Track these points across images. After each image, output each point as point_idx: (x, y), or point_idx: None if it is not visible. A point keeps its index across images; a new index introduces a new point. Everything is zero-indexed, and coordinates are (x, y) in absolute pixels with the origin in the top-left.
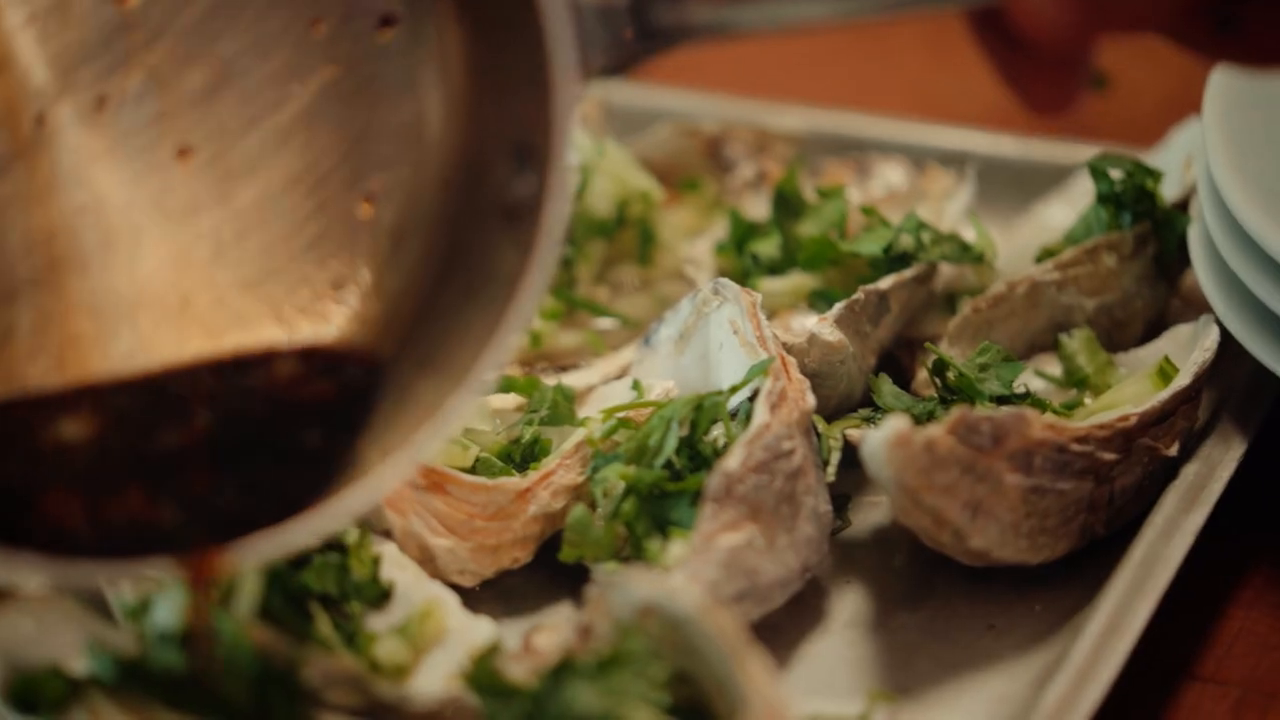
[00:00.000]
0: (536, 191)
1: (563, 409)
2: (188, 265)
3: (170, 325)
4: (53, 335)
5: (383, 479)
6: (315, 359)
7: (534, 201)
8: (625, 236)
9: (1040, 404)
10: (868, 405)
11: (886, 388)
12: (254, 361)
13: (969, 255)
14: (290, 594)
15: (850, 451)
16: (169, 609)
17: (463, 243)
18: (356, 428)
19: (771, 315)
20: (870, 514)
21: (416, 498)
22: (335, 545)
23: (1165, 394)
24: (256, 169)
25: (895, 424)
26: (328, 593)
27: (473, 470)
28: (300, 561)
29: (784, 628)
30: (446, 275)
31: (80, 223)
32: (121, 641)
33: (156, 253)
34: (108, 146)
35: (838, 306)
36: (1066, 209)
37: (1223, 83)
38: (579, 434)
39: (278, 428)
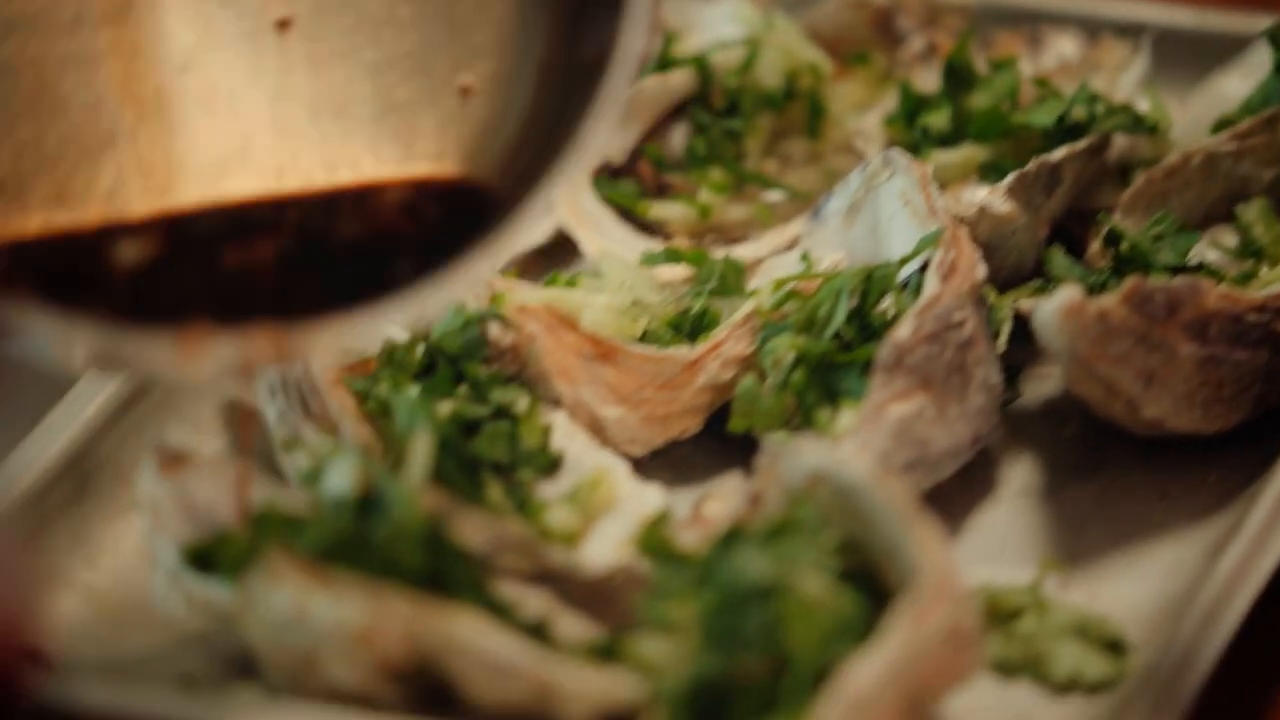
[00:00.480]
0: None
1: (732, 281)
2: (283, 130)
3: (265, 182)
4: (149, 182)
5: (480, 262)
6: (413, 195)
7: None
8: (794, 110)
9: (1215, 274)
10: (1039, 276)
11: (1059, 258)
12: (353, 196)
13: (1143, 126)
14: (461, 461)
15: (1021, 323)
16: (342, 473)
17: (553, 99)
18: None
19: (942, 188)
20: (1041, 385)
21: (586, 368)
22: (505, 413)
23: None
24: (351, 46)
25: (1068, 293)
26: (498, 460)
27: (643, 341)
28: (471, 429)
29: (954, 497)
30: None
31: (180, 82)
32: (296, 504)
33: (252, 115)
34: (211, 10)
35: (1010, 178)
36: (1243, 79)
37: None
38: (748, 305)
39: (375, 253)
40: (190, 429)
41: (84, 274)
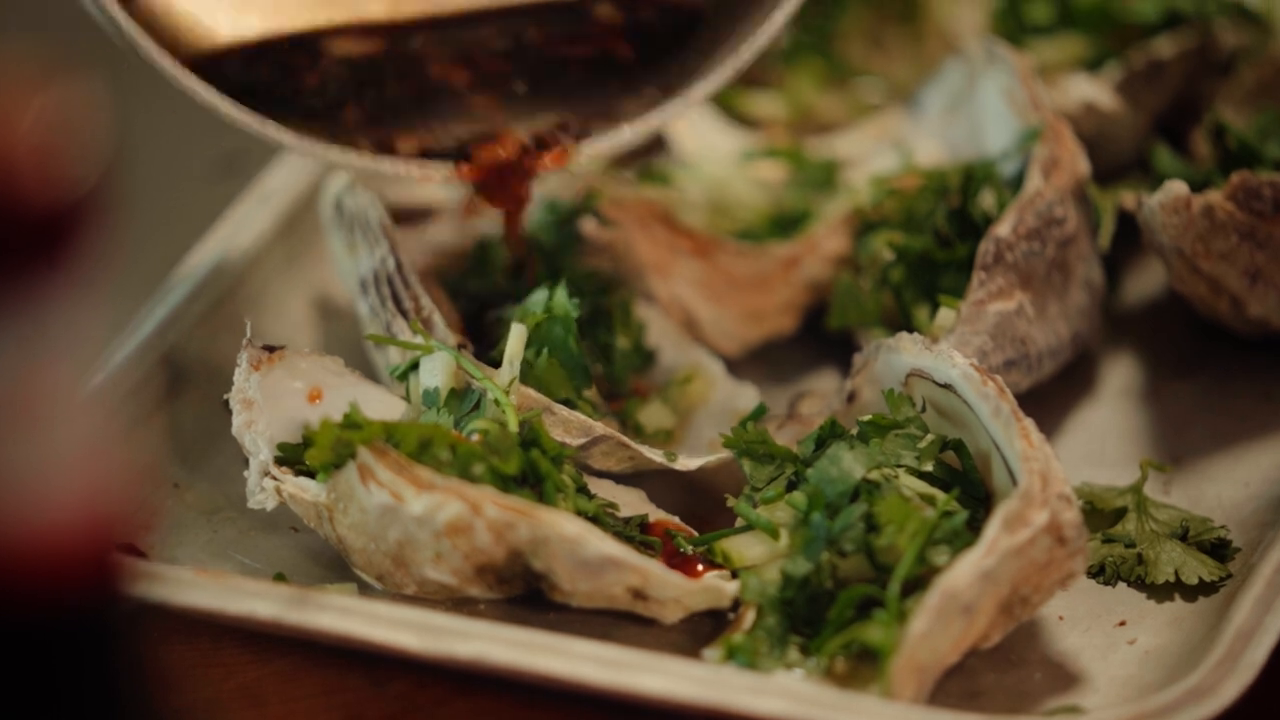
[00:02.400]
0: None
1: (829, 176)
2: None
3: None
4: None
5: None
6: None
7: None
8: None
9: None
10: (1143, 171)
11: (1163, 153)
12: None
13: (1250, 18)
14: (557, 357)
15: (1125, 219)
16: (435, 370)
17: None
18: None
19: (1044, 80)
20: (1144, 283)
21: (681, 263)
22: (600, 309)
23: None
24: None
25: (1173, 188)
26: (593, 357)
27: (739, 237)
28: (566, 325)
29: (1054, 397)
30: None
31: None
32: (390, 402)
33: None
34: None
35: (1115, 73)
36: None
37: None
38: (846, 201)
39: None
40: (283, 324)
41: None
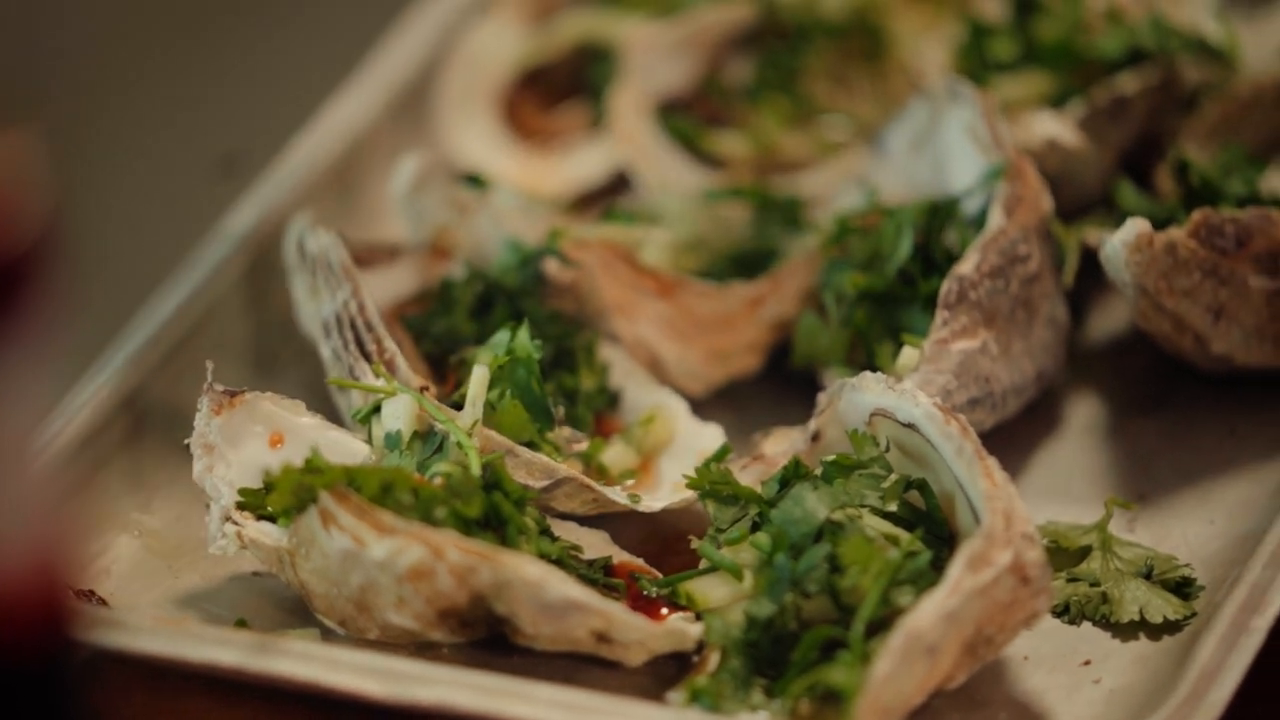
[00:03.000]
0: None
1: (793, 214)
2: None
3: None
4: None
5: None
6: None
7: None
8: (856, 38)
9: None
10: (1107, 208)
11: (1127, 190)
12: None
13: (1212, 54)
14: (519, 400)
15: (1089, 256)
16: (397, 413)
17: None
18: None
19: (1008, 117)
20: (1108, 320)
21: (645, 304)
22: (564, 351)
23: None
24: None
25: (1135, 226)
26: (556, 400)
27: (702, 277)
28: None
29: (1019, 435)
30: None
31: None
32: (352, 446)
33: None
34: None
35: (1079, 109)
36: None
37: None
38: (810, 240)
39: None
40: (246, 368)
41: None
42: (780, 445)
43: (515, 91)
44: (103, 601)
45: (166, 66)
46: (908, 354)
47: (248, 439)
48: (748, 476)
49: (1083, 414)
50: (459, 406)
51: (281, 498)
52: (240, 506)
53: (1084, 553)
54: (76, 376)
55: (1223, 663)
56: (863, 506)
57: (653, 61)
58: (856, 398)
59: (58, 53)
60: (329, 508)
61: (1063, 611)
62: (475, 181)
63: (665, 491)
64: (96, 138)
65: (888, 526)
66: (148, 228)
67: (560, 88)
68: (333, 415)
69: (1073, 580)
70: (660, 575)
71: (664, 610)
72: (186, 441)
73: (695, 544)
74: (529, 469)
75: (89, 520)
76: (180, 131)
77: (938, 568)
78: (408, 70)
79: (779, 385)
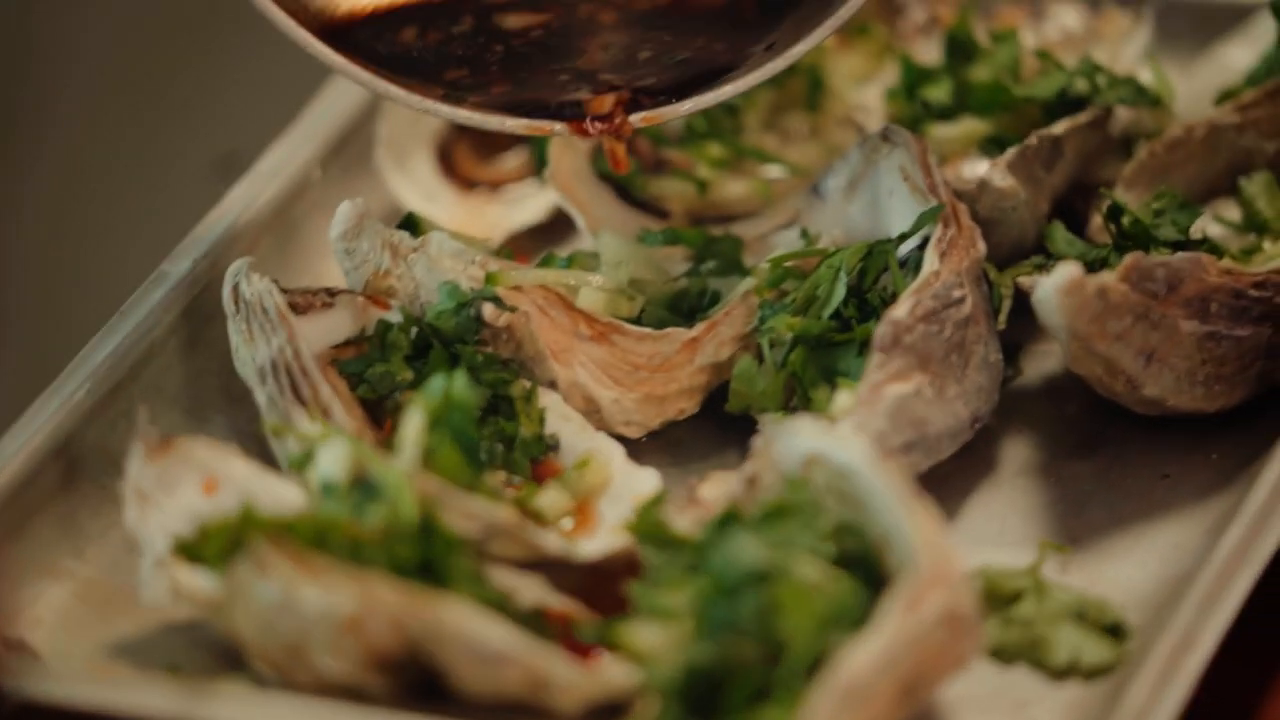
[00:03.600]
0: None
1: (730, 258)
2: None
3: None
4: None
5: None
6: None
7: None
8: (794, 83)
9: (1217, 249)
10: (1041, 252)
11: (1060, 234)
12: None
13: (1146, 98)
14: (456, 444)
15: (1022, 299)
16: (333, 459)
17: None
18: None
19: (943, 162)
20: (1042, 362)
21: (582, 348)
22: (500, 396)
23: None
24: None
25: (1067, 270)
26: (492, 445)
27: (639, 321)
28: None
29: (953, 478)
30: None
31: None
32: (287, 492)
33: None
34: None
35: (1010, 152)
36: (1247, 50)
37: None
38: (747, 283)
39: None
40: (181, 413)
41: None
42: (717, 489)
43: (454, 137)
44: (34, 650)
45: (167, 67)
46: (843, 398)
47: (182, 486)
48: (684, 521)
49: (1017, 457)
50: (395, 452)
51: (214, 546)
52: (174, 554)
53: (1017, 596)
54: (8, 422)
55: (1154, 705)
56: (798, 550)
57: None
58: (792, 442)
59: (58, 53)
60: (262, 555)
61: (996, 654)
62: (412, 226)
63: (602, 536)
64: (96, 137)
65: (823, 570)
66: (148, 227)
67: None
68: (269, 461)
69: (1006, 623)
70: (596, 621)
71: (599, 656)
72: (120, 488)
73: (631, 589)
74: (465, 514)
75: (20, 568)
76: (180, 131)
77: (872, 611)
78: (346, 115)
79: (716, 429)
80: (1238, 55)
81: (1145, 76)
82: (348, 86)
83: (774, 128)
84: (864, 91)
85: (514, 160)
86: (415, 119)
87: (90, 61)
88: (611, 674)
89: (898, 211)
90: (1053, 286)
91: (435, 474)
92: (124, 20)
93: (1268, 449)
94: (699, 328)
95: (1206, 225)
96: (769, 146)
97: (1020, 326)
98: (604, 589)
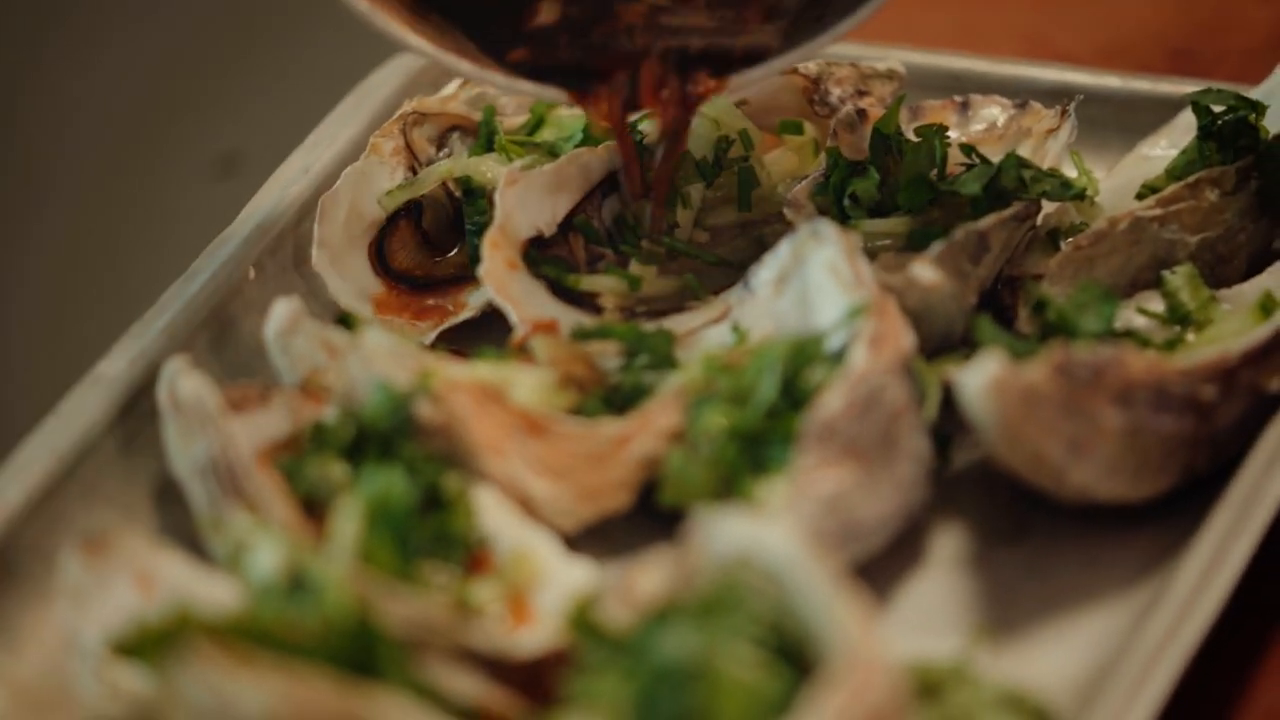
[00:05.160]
0: None
1: (663, 353)
2: None
3: None
4: None
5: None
6: None
7: None
8: (724, 180)
9: (1142, 341)
10: (968, 344)
11: (987, 326)
12: None
13: (1070, 192)
14: (390, 540)
15: (951, 392)
16: (267, 555)
17: None
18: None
19: (871, 256)
20: (971, 453)
21: (516, 442)
22: (434, 492)
23: (1267, 329)
24: None
25: (991, 365)
26: (426, 542)
27: (573, 415)
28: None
29: (884, 567)
30: None
31: None
32: (223, 590)
33: None
34: None
35: (936, 246)
36: (1170, 145)
37: None
38: (678, 378)
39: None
40: (118, 513)
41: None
42: (650, 582)
43: (391, 232)
44: None
45: (167, 67)
46: (774, 489)
47: (117, 584)
48: (618, 614)
49: (947, 546)
50: (330, 548)
51: (150, 644)
52: (110, 653)
53: (946, 685)
54: None
55: None
56: (731, 645)
57: (523, 202)
58: (723, 533)
59: (57, 52)
60: (198, 655)
61: None
62: (347, 324)
63: (537, 629)
64: (96, 137)
65: (755, 661)
66: (149, 228)
67: (440, 228)
68: (206, 560)
69: (936, 713)
70: (532, 712)
71: None
72: (57, 587)
73: (566, 681)
74: (400, 610)
75: None
76: (180, 131)
77: (801, 704)
78: (283, 212)
79: (650, 521)
80: (1161, 150)
81: (1070, 171)
82: (283, 182)
83: (706, 224)
84: (794, 187)
85: (449, 257)
86: (353, 212)
87: (91, 61)
88: None
89: (826, 305)
90: (978, 379)
91: (370, 569)
92: (125, 20)
93: (1191, 536)
94: (632, 422)
95: (1131, 317)
96: (701, 242)
97: (950, 417)
98: (539, 681)
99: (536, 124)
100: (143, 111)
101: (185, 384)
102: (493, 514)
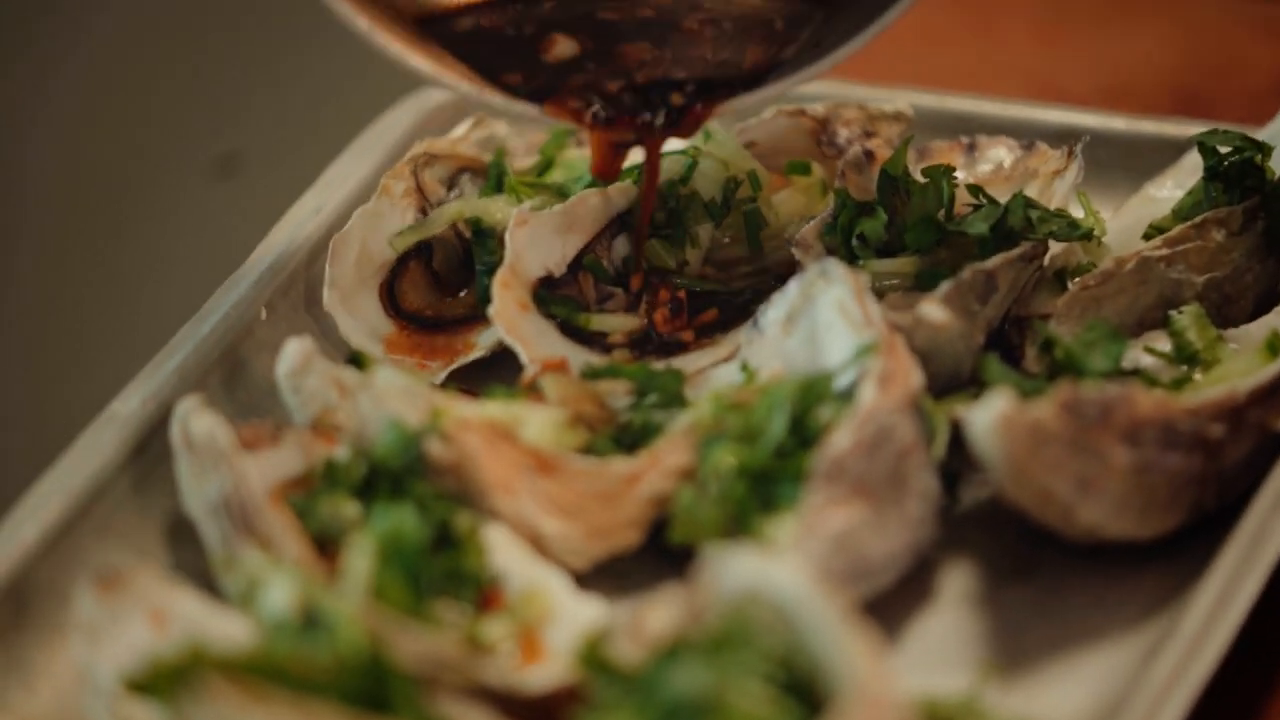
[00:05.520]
0: None
1: (672, 393)
2: None
3: None
4: None
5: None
6: None
7: None
8: (734, 220)
9: (1149, 380)
10: (976, 383)
11: (994, 365)
12: None
13: (1077, 233)
14: (402, 577)
15: (959, 431)
16: (280, 592)
17: None
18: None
19: (879, 296)
20: (980, 491)
21: (527, 481)
22: (446, 531)
23: (1274, 368)
24: None
25: (1000, 401)
26: (439, 577)
27: (583, 454)
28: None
29: (893, 604)
30: None
31: None
32: (236, 627)
33: None
34: None
35: (944, 285)
36: (1176, 186)
37: None
38: (688, 417)
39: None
40: (131, 551)
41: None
42: (660, 618)
43: (402, 272)
44: None
45: (167, 67)
46: (784, 527)
47: (130, 620)
48: (629, 650)
49: (955, 584)
50: (343, 585)
51: (163, 681)
52: (123, 689)
53: None
54: None
55: None
56: (741, 681)
57: (533, 242)
58: (733, 570)
59: (58, 53)
60: (211, 691)
61: None
62: (358, 363)
63: (548, 666)
64: (97, 137)
65: (765, 697)
66: (148, 227)
67: (450, 268)
68: (219, 597)
69: None
70: None
71: None
72: (70, 624)
73: (578, 717)
74: (412, 646)
75: None
76: (180, 131)
77: None
78: (294, 252)
79: (660, 559)
80: (1167, 191)
81: (1077, 212)
82: (295, 223)
83: (715, 263)
84: (802, 228)
85: (459, 297)
86: (364, 253)
87: (91, 61)
88: None
89: (835, 345)
90: (987, 417)
91: (383, 605)
92: (124, 20)
93: (1199, 574)
94: (642, 460)
95: (1138, 357)
96: (710, 281)
97: (958, 456)
98: (551, 716)
99: (546, 165)
100: (142, 112)
101: (198, 423)
102: (503, 552)
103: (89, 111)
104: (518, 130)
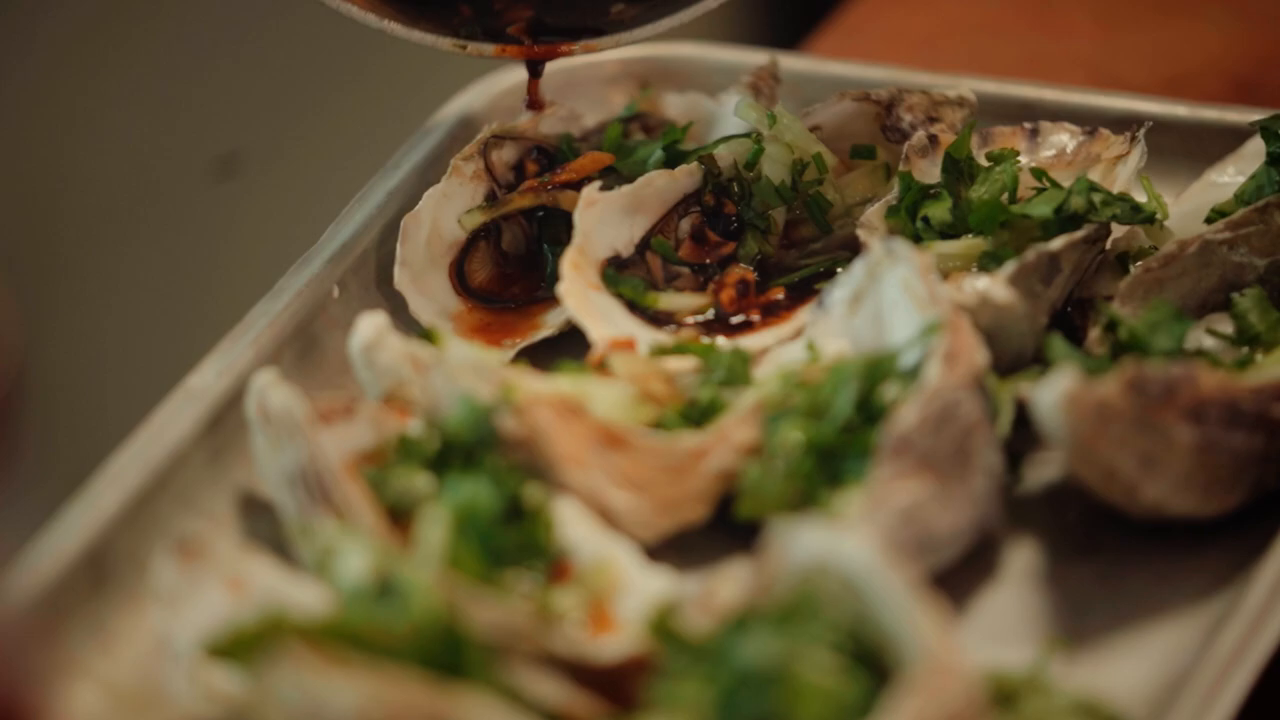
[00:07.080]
0: None
1: (739, 370)
2: None
3: None
4: None
5: None
6: None
7: None
8: (800, 203)
9: (1212, 360)
10: (1040, 363)
11: (1059, 345)
12: None
13: (1140, 216)
14: (476, 547)
15: (1023, 409)
16: (355, 561)
17: None
18: None
19: (944, 277)
20: (1043, 470)
21: (596, 455)
22: (517, 503)
23: None
24: None
25: (1066, 379)
26: (510, 550)
27: (653, 429)
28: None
29: (957, 579)
30: None
31: None
32: (312, 595)
33: None
34: None
35: (1009, 266)
36: (1238, 171)
37: None
38: (755, 393)
39: None
40: (208, 521)
41: None
42: (729, 590)
43: (471, 252)
44: None
45: (167, 67)
46: (850, 502)
47: (209, 589)
48: (698, 622)
49: (1020, 560)
50: (418, 554)
51: (243, 647)
52: (201, 657)
53: (1021, 693)
54: (40, 527)
55: None
56: (810, 650)
57: (601, 222)
58: (801, 543)
59: (58, 51)
60: (291, 657)
61: None
62: (430, 339)
63: (618, 636)
64: (96, 137)
65: (834, 667)
66: (148, 227)
67: (519, 248)
68: (294, 567)
69: (1010, 719)
70: (615, 716)
71: None
72: (150, 591)
73: (650, 686)
74: (486, 615)
75: (51, 670)
76: (180, 131)
77: (880, 708)
78: (367, 231)
79: (727, 532)
80: (1229, 176)
81: (1139, 196)
82: (367, 204)
83: (790, 239)
84: (867, 210)
85: (531, 272)
86: (434, 232)
87: (91, 61)
88: None
89: (901, 322)
90: (1053, 393)
91: (456, 575)
92: (124, 18)
93: (1262, 551)
94: (709, 436)
95: (1201, 338)
96: (789, 260)
97: (1021, 435)
98: (620, 687)
99: (611, 148)
100: (142, 111)
101: (275, 395)
102: (573, 524)
103: (90, 112)
104: (586, 113)
